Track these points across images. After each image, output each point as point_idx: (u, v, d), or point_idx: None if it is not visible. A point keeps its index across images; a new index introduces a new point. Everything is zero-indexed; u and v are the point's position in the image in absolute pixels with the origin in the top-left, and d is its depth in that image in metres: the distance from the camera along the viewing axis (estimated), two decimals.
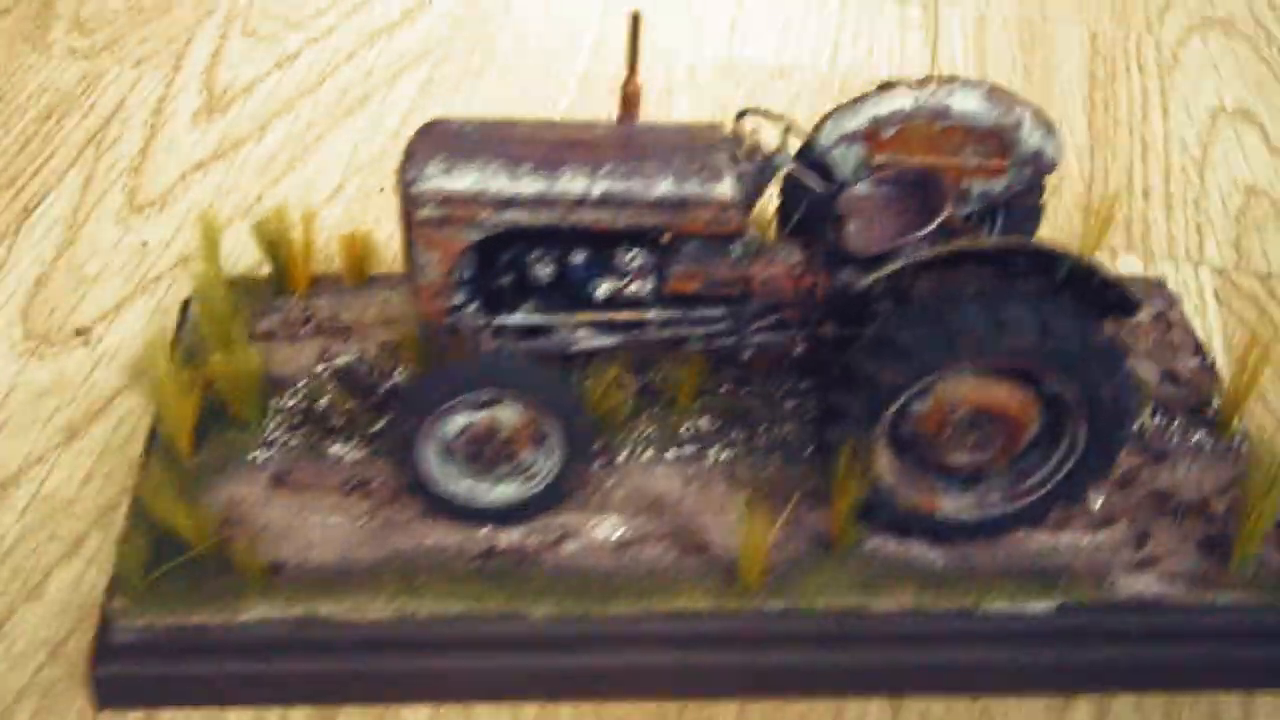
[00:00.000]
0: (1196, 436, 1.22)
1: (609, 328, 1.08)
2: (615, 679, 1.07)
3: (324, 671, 1.04)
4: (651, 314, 1.07)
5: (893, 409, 1.01)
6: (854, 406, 1.01)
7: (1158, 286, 1.40)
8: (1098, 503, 1.16)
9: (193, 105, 1.71)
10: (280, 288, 1.28)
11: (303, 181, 1.59)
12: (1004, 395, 1.01)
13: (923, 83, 1.15)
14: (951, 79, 1.15)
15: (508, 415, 1.02)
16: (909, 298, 1.01)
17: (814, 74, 1.85)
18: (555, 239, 1.05)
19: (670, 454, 1.16)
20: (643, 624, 1.05)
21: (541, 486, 1.06)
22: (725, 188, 1.01)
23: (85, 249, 1.47)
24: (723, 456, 1.16)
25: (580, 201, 1.01)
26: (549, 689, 1.07)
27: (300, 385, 1.19)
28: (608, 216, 1.02)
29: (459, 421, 1.03)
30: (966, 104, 1.14)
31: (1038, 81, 1.87)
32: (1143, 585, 1.10)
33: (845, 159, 1.16)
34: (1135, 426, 1.21)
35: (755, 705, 1.09)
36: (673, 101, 1.77)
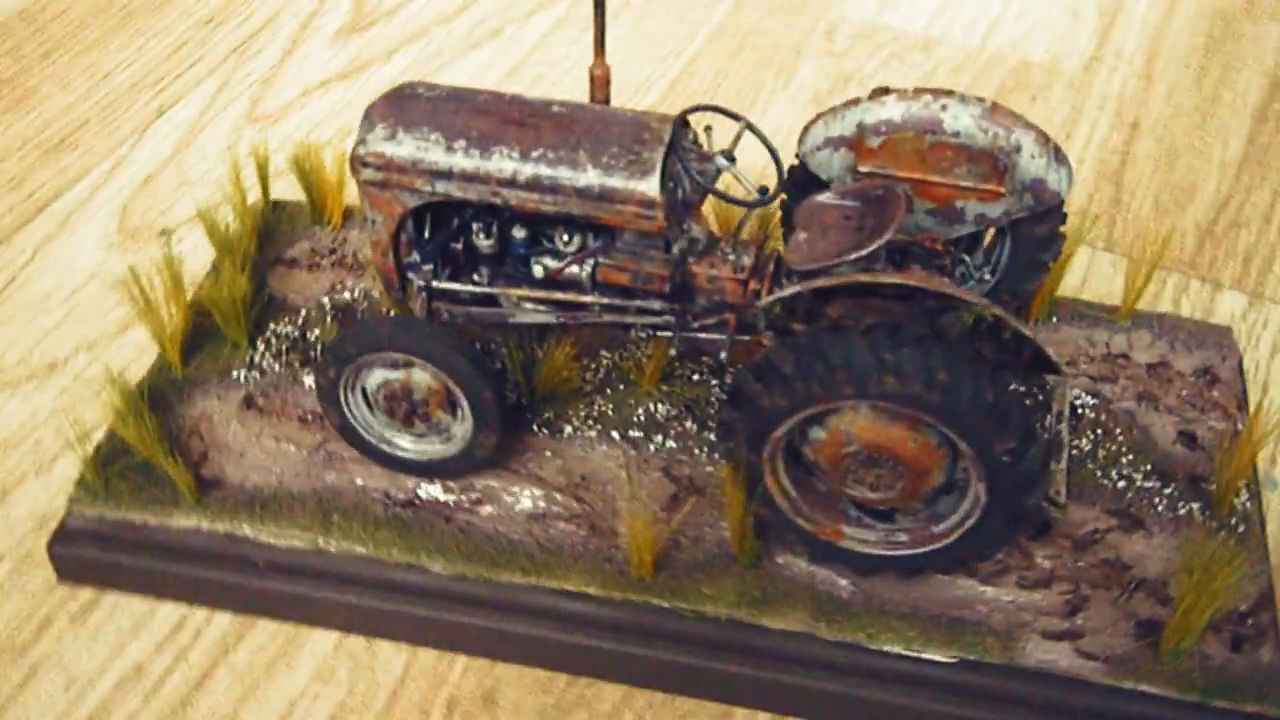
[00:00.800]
0: (1186, 508, 1.13)
1: (551, 305, 1.10)
2: (505, 643, 1.10)
3: (243, 586, 1.12)
4: (589, 298, 1.08)
5: (780, 433, 0.98)
6: (740, 425, 0.99)
7: (1219, 334, 1.28)
8: (1041, 557, 1.09)
9: (338, 23, 1.80)
10: (316, 218, 1.35)
11: None
12: (899, 437, 0.96)
13: (916, 94, 1.08)
14: (948, 93, 1.08)
15: (421, 378, 1.06)
16: (806, 323, 0.97)
17: (960, 50, 1.76)
18: (498, 213, 1.07)
19: (615, 435, 1.17)
20: (530, 597, 1.08)
21: (456, 449, 1.09)
22: (650, 185, 1.00)
23: (196, 155, 1.59)
24: (667, 446, 1.16)
25: (509, 182, 1.03)
26: (447, 639, 1.12)
27: (301, 314, 1.26)
28: (534, 200, 1.03)
29: (378, 376, 1.07)
30: (959, 121, 1.07)
31: (1208, 84, 1.71)
32: (1056, 655, 1.04)
33: (830, 164, 1.12)
34: (1127, 483, 1.14)
35: (641, 694, 1.10)
36: (798, 63, 1.73)
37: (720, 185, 1.05)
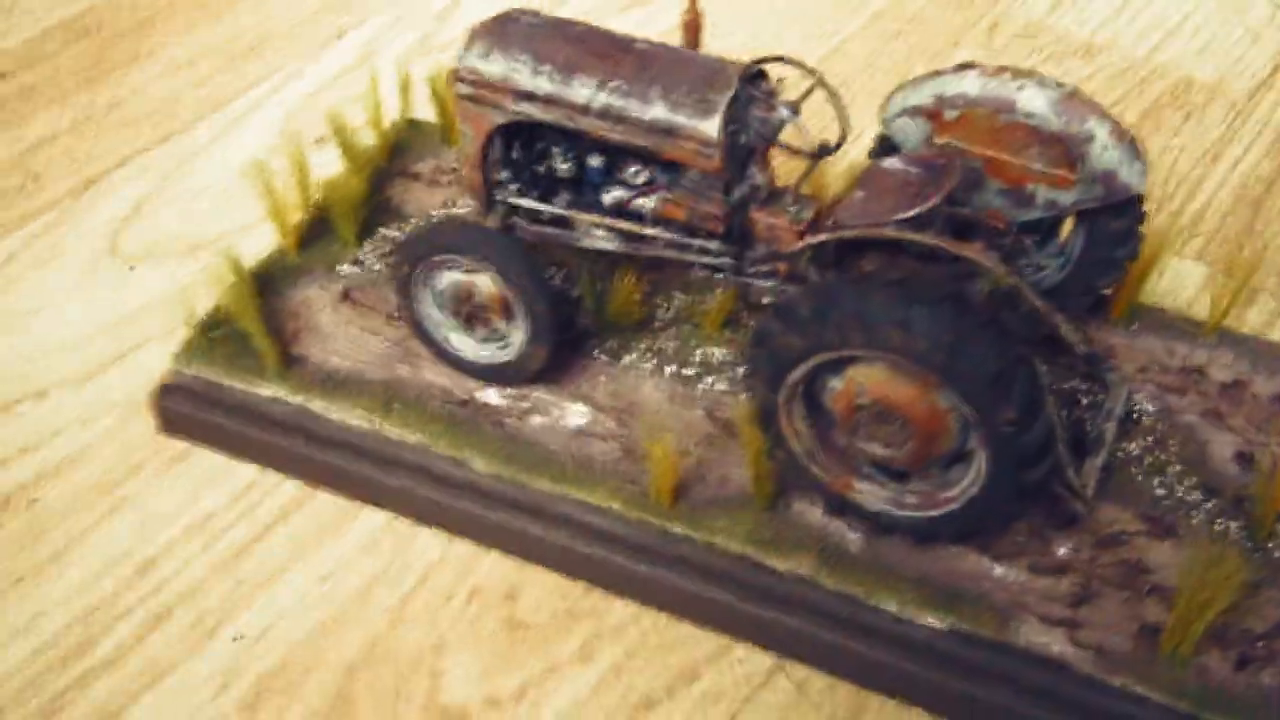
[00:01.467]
0: (1224, 525, 1.11)
1: (616, 233, 1.15)
2: (531, 545, 1.17)
3: (310, 456, 1.22)
4: (650, 230, 1.13)
5: (796, 375, 1.01)
6: (760, 365, 1.03)
7: None
8: (1062, 549, 1.09)
9: None
10: (445, 139, 1.44)
11: None
12: (911, 395, 0.98)
13: (997, 71, 1.10)
14: (1028, 73, 1.09)
15: (484, 284, 1.13)
16: (834, 272, 1.00)
17: (1122, 59, 1.73)
18: (578, 140, 1.13)
19: (669, 371, 1.21)
20: (557, 505, 1.14)
21: (511, 357, 1.16)
22: (710, 125, 1.05)
23: (363, 75, 1.70)
24: (716, 388, 1.20)
25: (584, 109, 1.09)
26: (481, 534, 1.19)
27: (410, 223, 1.36)
28: (605, 128, 1.09)
29: (446, 278, 1.15)
30: (1034, 103, 1.08)
31: None
32: (1049, 640, 1.04)
33: (908, 133, 1.14)
34: (1167, 492, 1.12)
35: (648, 614, 1.15)
36: (953, 55, 1.73)
37: (784, 137, 1.08)
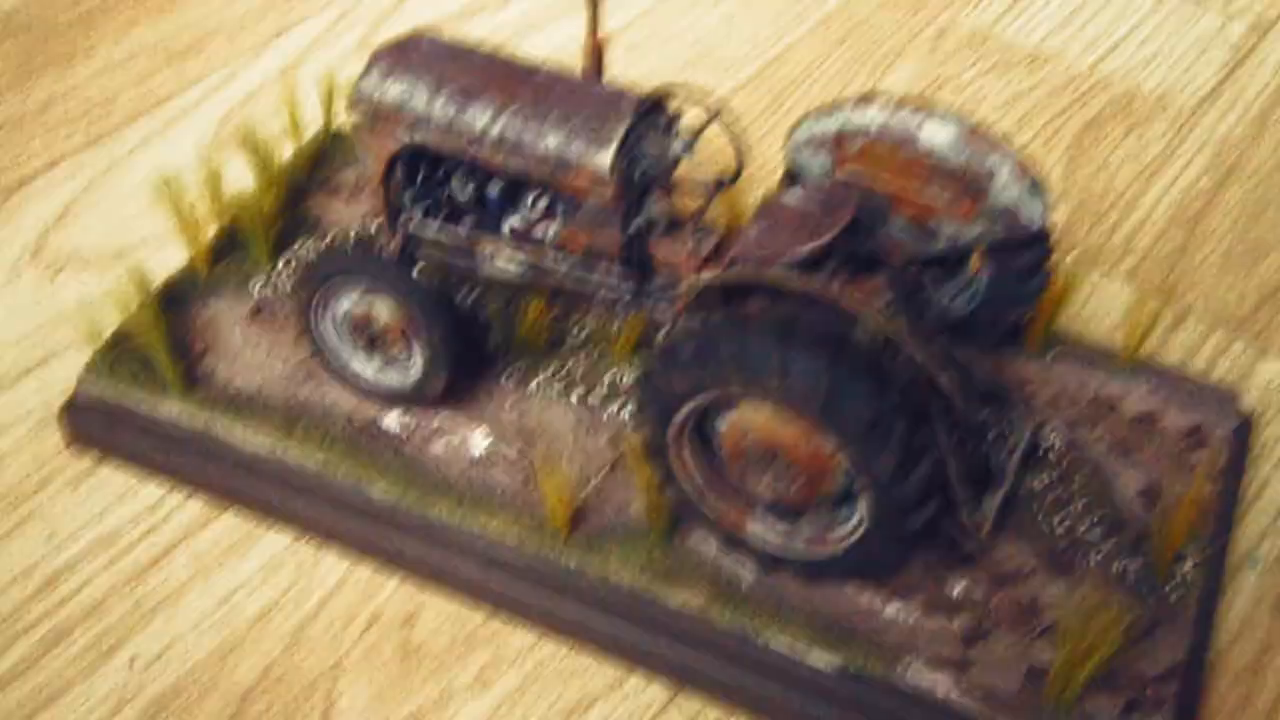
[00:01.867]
0: (1121, 566, 1.10)
1: (517, 261, 1.14)
2: (430, 572, 1.16)
3: (212, 476, 1.21)
4: (549, 259, 1.12)
5: (681, 415, 1.01)
6: (647, 403, 1.02)
7: (1222, 396, 1.23)
8: (957, 588, 1.09)
9: None
10: None
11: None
12: (793, 437, 0.98)
13: (899, 104, 1.08)
14: (930, 108, 1.07)
15: (381, 309, 1.12)
16: (720, 311, 0.99)
17: (1066, 71, 1.71)
18: (478, 168, 1.12)
19: (576, 395, 1.21)
20: (455, 533, 1.14)
21: (411, 382, 1.16)
22: (603, 157, 1.04)
23: (300, 76, 1.69)
24: (624, 413, 1.20)
25: (479, 138, 1.07)
26: (382, 559, 1.19)
27: (329, 237, 1.34)
28: (501, 158, 1.07)
29: (345, 303, 1.14)
30: (935, 137, 1.07)
31: None
32: (934, 683, 1.03)
33: (810, 166, 1.13)
34: (1067, 528, 1.12)
35: (547, 644, 1.15)
36: (897, 63, 1.72)
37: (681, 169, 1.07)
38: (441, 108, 1.08)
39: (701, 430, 1.04)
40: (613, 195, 1.05)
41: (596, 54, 1.12)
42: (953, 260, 1.16)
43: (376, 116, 1.11)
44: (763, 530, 1.06)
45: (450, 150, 1.09)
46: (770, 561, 1.07)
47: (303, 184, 1.39)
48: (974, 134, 1.06)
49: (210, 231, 1.32)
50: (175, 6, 1.79)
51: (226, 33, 1.76)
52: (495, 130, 1.07)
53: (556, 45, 1.72)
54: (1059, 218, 1.52)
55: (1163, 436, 1.19)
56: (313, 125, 1.46)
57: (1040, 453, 1.17)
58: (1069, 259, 1.45)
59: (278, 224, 1.31)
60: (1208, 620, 1.11)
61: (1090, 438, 1.19)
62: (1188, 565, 1.10)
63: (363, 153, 1.15)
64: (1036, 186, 1.07)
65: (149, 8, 1.79)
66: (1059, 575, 1.09)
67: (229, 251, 1.32)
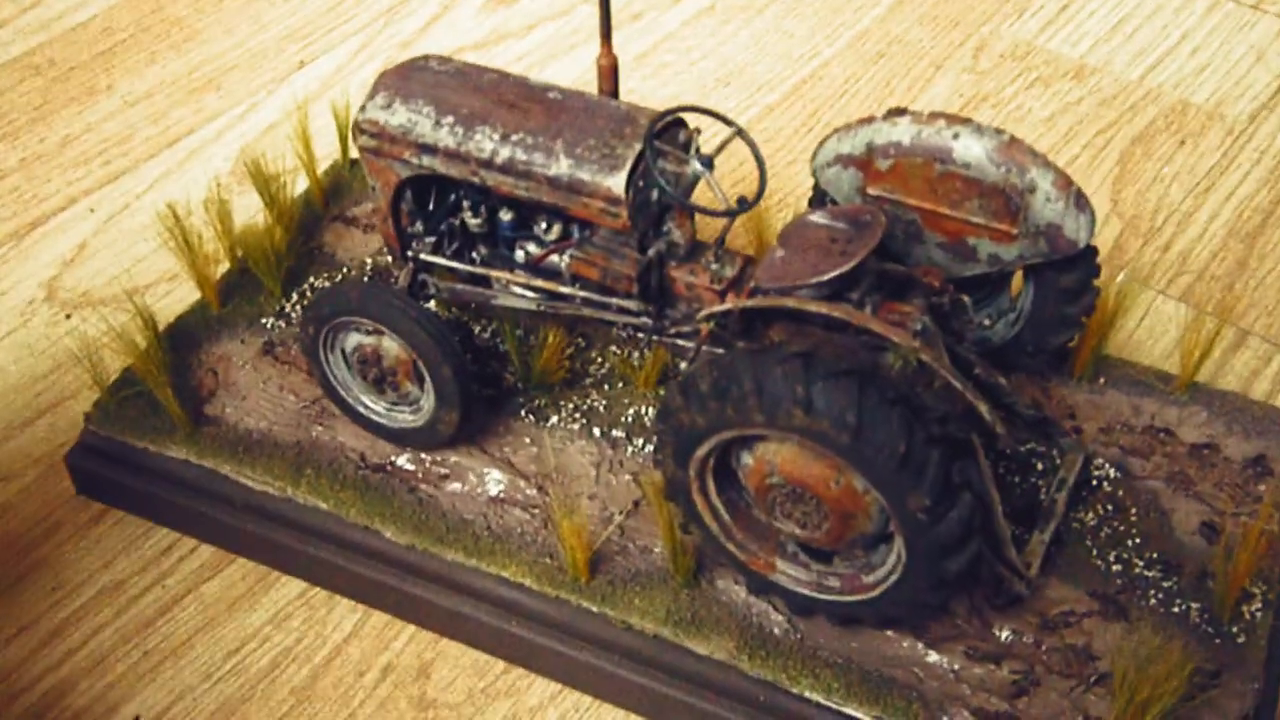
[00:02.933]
0: (1183, 606, 1.02)
1: (534, 291, 1.09)
2: (446, 619, 1.11)
3: (222, 521, 1.17)
4: (566, 289, 1.07)
5: (702, 452, 0.94)
6: (666, 440, 0.96)
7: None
8: (1003, 632, 1.01)
9: None
10: None
11: None
12: (821, 475, 0.91)
13: (930, 117, 1.02)
14: (964, 120, 1.01)
15: (390, 346, 1.07)
16: (740, 340, 0.93)
17: (1115, 81, 1.63)
18: (488, 194, 1.07)
19: (597, 432, 1.15)
20: (471, 578, 1.08)
21: (422, 421, 1.10)
22: (616, 181, 0.98)
23: (320, 107, 1.65)
24: (647, 449, 1.13)
25: (487, 163, 1.02)
26: (395, 606, 1.13)
27: (341, 271, 1.30)
28: (509, 184, 1.02)
29: (353, 340, 1.09)
30: (970, 152, 1.00)
31: None
32: None
33: (839, 183, 1.06)
34: (1122, 567, 1.04)
35: (570, 695, 1.09)
36: (935, 77, 1.65)
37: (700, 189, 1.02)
38: (448, 133, 1.03)
39: (725, 467, 0.97)
40: (625, 220, 0.99)
41: (610, 72, 1.07)
42: (992, 281, 1.10)
43: (382, 142, 1.06)
44: (793, 573, 0.99)
45: (459, 176, 1.04)
46: (802, 606, 1.01)
47: (318, 217, 1.35)
48: (1012, 146, 0.99)
49: (221, 267, 1.28)
50: (195, 42, 1.77)
51: (246, 66, 1.72)
52: (503, 155, 1.01)
53: (578, 74, 1.67)
54: (1108, 235, 1.45)
55: (1223, 466, 1.11)
56: (332, 156, 1.42)
57: (1091, 485, 1.09)
58: (1119, 278, 1.38)
59: (290, 258, 1.26)
60: (1278, 665, 1.02)
61: (1145, 468, 1.11)
62: (1255, 605, 1.02)
63: (371, 180, 1.10)
64: (1081, 201, 1.00)
65: (169, 43, 1.76)
66: (1114, 618, 1.02)
67: (240, 287, 1.28)
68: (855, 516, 0.92)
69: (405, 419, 1.12)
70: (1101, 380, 1.18)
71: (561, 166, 1.00)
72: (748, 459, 0.95)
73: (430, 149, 1.04)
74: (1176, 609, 1.02)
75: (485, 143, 1.02)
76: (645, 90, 1.64)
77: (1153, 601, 1.03)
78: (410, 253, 1.11)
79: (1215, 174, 1.52)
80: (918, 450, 0.86)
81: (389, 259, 1.30)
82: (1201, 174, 1.52)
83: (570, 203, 1.01)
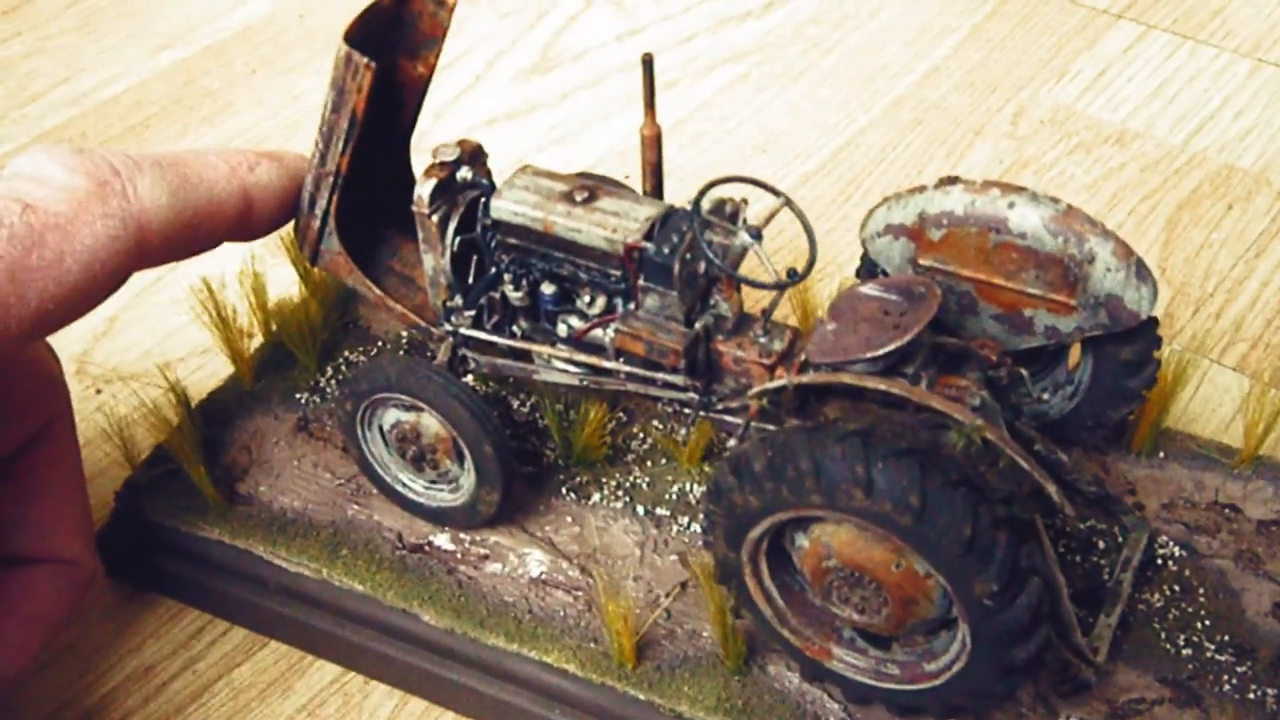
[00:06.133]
0: (1260, 692, 0.98)
1: (575, 366, 1.06)
2: (486, 706, 1.07)
3: (255, 603, 1.13)
4: (610, 364, 1.04)
5: (756, 533, 0.91)
6: (717, 522, 0.92)
7: None
8: (1072, 719, 0.97)
9: (524, 63, 1.82)
10: None
11: (564, 155, 1.65)
12: (881, 559, 0.87)
13: (984, 186, 0.99)
14: (1019, 189, 0.98)
15: (430, 423, 1.04)
16: (791, 419, 0.90)
17: (1158, 147, 1.61)
18: (529, 268, 1.05)
19: (641, 510, 1.11)
20: (513, 663, 1.04)
21: (462, 501, 1.07)
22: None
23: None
24: (693, 528, 1.10)
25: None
26: (434, 692, 1.10)
27: (376, 346, 1.27)
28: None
29: (391, 417, 1.06)
30: (1026, 221, 0.97)
31: None
32: None
33: (890, 254, 1.04)
34: (1193, 650, 1.00)
35: None
36: (975, 143, 1.63)
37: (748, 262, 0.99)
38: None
39: (779, 549, 0.94)
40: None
41: (654, 142, 1.05)
42: (1049, 353, 1.06)
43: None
44: (850, 660, 0.95)
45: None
46: (859, 695, 0.96)
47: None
48: (1070, 215, 0.97)
49: (255, 341, 1.26)
50: (227, 114, 1.76)
51: (279, 138, 1.71)
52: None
53: (611, 144, 1.66)
54: (1158, 304, 1.41)
55: None
56: None
57: (1156, 565, 1.05)
58: (1171, 348, 1.35)
59: (324, 332, 1.24)
60: None
61: (1212, 546, 1.07)
62: None
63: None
64: (1143, 271, 0.97)
65: (201, 115, 1.75)
66: (1187, 705, 0.97)
67: (274, 362, 1.26)
68: (917, 601, 0.89)
69: (444, 498, 1.08)
70: (1161, 454, 1.14)
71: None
72: (803, 541, 0.91)
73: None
74: (1253, 694, 0.98)
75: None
76: (682, 159, 1.62)
77: (1226, 687, 0.98)
78: (450, 326, 1.09)
79: (1265, 239, 1.49)
80: (984, 533, 0.82)
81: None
82: (1251, 239, 1.49)
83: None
